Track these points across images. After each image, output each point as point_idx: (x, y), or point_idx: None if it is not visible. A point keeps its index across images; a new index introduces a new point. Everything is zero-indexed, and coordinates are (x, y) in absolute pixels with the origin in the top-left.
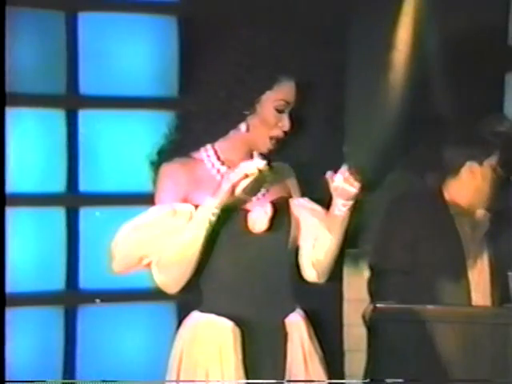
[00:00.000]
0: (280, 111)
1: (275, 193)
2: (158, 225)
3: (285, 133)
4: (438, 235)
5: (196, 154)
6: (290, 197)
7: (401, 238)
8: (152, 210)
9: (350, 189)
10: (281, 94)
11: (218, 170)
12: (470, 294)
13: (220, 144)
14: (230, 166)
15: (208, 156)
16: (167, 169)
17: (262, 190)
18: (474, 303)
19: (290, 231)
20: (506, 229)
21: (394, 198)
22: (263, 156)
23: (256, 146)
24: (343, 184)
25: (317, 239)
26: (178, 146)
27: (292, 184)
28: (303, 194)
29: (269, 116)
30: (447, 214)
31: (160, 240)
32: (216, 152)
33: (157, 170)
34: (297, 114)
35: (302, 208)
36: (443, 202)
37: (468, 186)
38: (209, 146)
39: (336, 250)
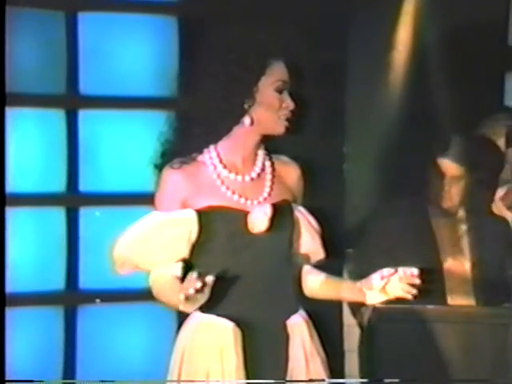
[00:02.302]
0: (280, 91)
1: (278, 196)
2: (157, 233)
3: (292, 112)
4: (415, 238)
5: (199, 157)
6: (294, 201)
7: (380, 243)
8: (153, 215)
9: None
10: (276, 75)
11: (219, 175)
12: (445, 296)
13: (223, 144)
14: (231, 170)
15: (210, 158)
16: (168, 173)
17: (264, 194)
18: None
19: (293, 233)
20: (485, 230)
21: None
22: (268, 152)
23: (271, 131)
24: (398, 282)
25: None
26: (181, 148)
27: (297, 187)
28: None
29: (271, 100)
30: (424, 216)
31: (158, 250)
32: (218, 154)
33: (160, 173)
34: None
35: (301, 217)
36: (422, 204)
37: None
38: (212, 148)
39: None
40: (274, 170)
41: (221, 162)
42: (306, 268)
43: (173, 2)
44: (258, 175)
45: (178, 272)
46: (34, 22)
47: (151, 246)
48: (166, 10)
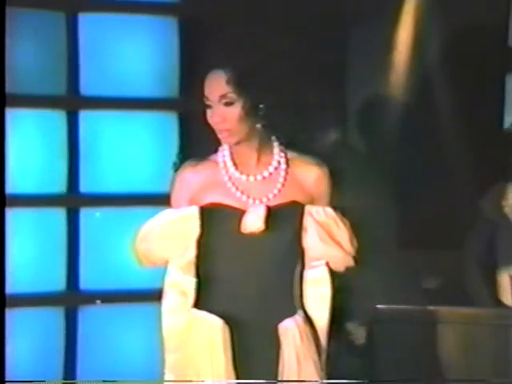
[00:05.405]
0: (207, 106)
1: (287, 196)
2: (166, 230)
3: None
4: None
5: (213, 156)
6: (310, 202)
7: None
8: (164, 213)
9: None
10: (205, 90)
11: (227, 171)
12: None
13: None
14: (238, 167)
15: (223, 156)
16: (180, 173)
17: (270, 195)
18: None
19: (297, 235)
20: None
21: None
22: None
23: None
24: None
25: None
26: (196, 148)
27: (315, 188)
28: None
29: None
30: None
31: (168, 246)
32: (231, 153)
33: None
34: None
35: (311, 220)
36: None
37: None
38: (226, 146)
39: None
40: (288, 169)
41: (232, 159)
42: (312, 278)
43: (173, 3)
44: (271, 174)
45: (191, 289)
46: (34, 23)
47: (162, 242)
48: (166, 11)
